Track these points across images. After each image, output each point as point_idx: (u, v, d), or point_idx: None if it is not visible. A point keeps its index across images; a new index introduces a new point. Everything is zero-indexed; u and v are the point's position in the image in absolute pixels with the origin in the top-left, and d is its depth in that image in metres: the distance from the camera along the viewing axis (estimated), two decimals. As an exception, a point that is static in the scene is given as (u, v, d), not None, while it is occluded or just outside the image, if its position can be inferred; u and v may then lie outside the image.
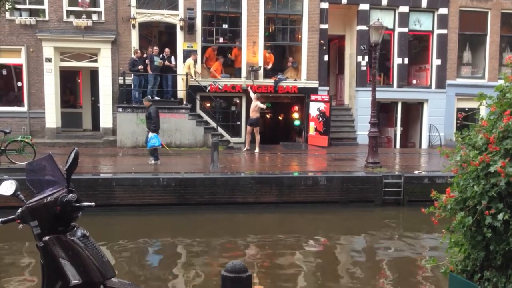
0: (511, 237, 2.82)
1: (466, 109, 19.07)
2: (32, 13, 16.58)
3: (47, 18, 16.44)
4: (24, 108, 16.67)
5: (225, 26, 17.81)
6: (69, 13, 16.63)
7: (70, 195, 2.74)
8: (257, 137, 15.70)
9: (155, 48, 16.70)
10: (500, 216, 2.80)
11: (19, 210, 2.80)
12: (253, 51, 17.54)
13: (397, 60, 18.44)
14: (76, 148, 2.88)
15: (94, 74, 17.52)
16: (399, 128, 18.83)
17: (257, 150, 15.58)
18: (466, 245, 3.25)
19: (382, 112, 18.48)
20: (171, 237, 9.66)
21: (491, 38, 18.83)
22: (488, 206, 2.89)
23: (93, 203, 3.03)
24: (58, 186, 2.84)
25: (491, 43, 18.85)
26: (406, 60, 18.49)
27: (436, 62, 18.62)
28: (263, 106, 15.76)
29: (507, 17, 18.93)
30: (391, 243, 9.58)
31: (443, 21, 18.43)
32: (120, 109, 15.95)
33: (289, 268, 8.28)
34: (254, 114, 15.60)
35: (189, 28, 16.96)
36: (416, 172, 12.42)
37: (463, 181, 3.12)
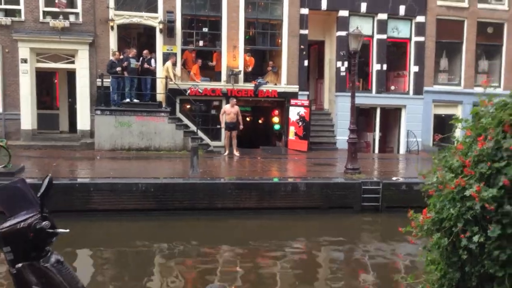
0: (486, 260, 2.88)
1: (443, 115, 19.49)
2: (8, 13, 16.25)
3: (23, 18, 16.14)
4: (-2, 110, 16.35)
5: (205, 29, 17.76)
6: (45, 13, 16.35)
7: (44, 222, 2.69)
8: (234, 141, 15.81)
9: (133, 50, 16.54)
10: (475, 239, 2.86)
11: None
12: (233, 55, 17.54)
13: (376, 66, 18.66)
14: (50, 174, 2.83)
15: (71, 75, 17.27)
16: (377, 133, 19.06)
17: (236, 153, 15.64)
18: (442, 264, 3.32)
19: (361, 117, 18.69)
20: (149, 243, 9.57)
21: (467, 46, 19.20)
22: (464, 229, 2.95)
23: (67, 230, 2.99)
24: (31, 210, 2.78)
25: (467, 51, 19.22)
26: (384, 67, 18.72)
27: (414, 68, 18.90)
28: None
29: (482, 26, 19.34)
30: (369, 249, 9.68)
31: (420, 29, 18.72)
32: (98, 112, 15.76)
33: (268, 275, 8.31)
34: (232, 118, 15.65)
35: (169, 31, 16.86)
36: (394, 178, 12.58)
37: (440, 202, 3.18)
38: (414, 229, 3.39)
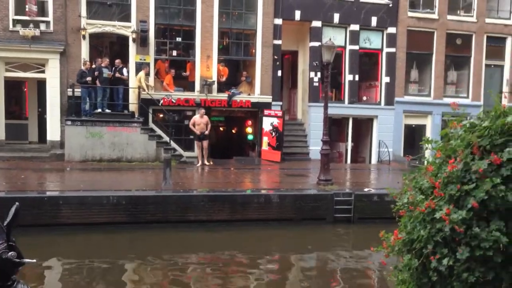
0: (455, 282, 2.90)
1: (413, 125, 19.83)
2: (-24, 21, 15.87)
3: (-9, 26, 15.79)
4: (-35, 120, 15.88)
5: (178, 39, 17.68)
6: (15, 22, 16.01)
7: (10, 253, 2.60)
8: (206, 151, 15.86)
9: (105, 60, 16.33)
10: (444, 262, 2.89)
11: None
12: (206, 65, 17.49)
13: (348, 77, 18.88)
14: (17, 203, 2.74)
15: (41, 85, 16.92)
16: (350, 144, 19.24)
17: (206, 162, 15.75)
18: (413, 284, 3.33)
19: (334, 127, 18.86)
20: (119, 257, 9.40)
21: (437, 57, 19.62)
22: (434, 251, 2.97)
23: (34, 260, 2.89)
24: None
25: (437, 62, 19.63)
26: (357, 77, 18.96)
27: (385, 79, 19.19)
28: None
29: (452, 37, 19.81)
30: (341, 261, 9.72)
31: (392, 40, 19.05)
32: (69, 122, 15.48)
33: (241, 287, 8.25)
34: (202, 129, 15.65)
35: (142, 41, 16.72)
36: (366, 189, 12.70)
37: (410, 223, 3.20)
38: (385, 250, 3.40)
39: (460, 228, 2.83)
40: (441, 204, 2.98)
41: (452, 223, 2.85)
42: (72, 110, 15.79)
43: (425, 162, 3.37)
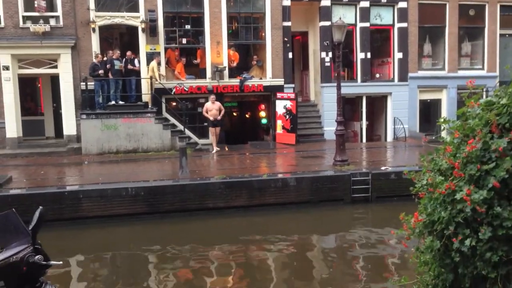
0: (478, 261, 2.88)
1: (428, 100, 19.60)
2: (-13, 20, 15.98)
3: (2, 24, 15.86)
4: (-18, 119, 16.09)
5: (187, 26, 17.60)
6: (25, 18, 16.07)
7: (37, 256, 2.65)
8: (217, 137, 16.07)
9: (116, 52, 16.37)
10: (467, 242, 2.86)
11: None
12: (217, 51, 17.42)
13: (360, 55, 18.65)
14: (41, 207, 2.78)
15: (54, 80, 17.05)
16: (364, 122, 19.10)
17: (216, 148, 15.96)
18: (435, 265, 3.32)
19: (348, 106, 18.72)
20: (142, 247, 9.53)
21: (450, 29, 19.26)
22: (455, 232, 2.95)
23: (61, 262, 2.95)
24: (23, 242, 2.73)
25: (450, 35, 19.28)
26: (369, 55, 18.73)
27: (398, 55, 18.93)
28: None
29: (464, 8, 19.40)
30: (362, 241, 9.73)
31: (403, 15, 18.73)
32: (84, 116, 15.61)
33: (263, 271, 8.34)
34: (215, 115, 15.70)
35: (151, 30, 16.68)
36: (383, 168, 12.64)
37: (430, 205, 3.17)
38: (406, 232, 3.38)
39: (482, 208, 2.80)
40: (461, 185, 2.94)
41: (473, 203, 2.82)
42: (86, 104, 15.91)
43: (443, 142, 3.32)
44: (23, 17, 16.06)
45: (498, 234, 2.77)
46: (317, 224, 10.91)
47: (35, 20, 16.12)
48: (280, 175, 12.19)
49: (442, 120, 3.37)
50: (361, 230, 10.48)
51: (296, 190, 11.65)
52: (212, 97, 16.05)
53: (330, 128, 16.48)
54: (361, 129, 19.16)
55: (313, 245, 9.94)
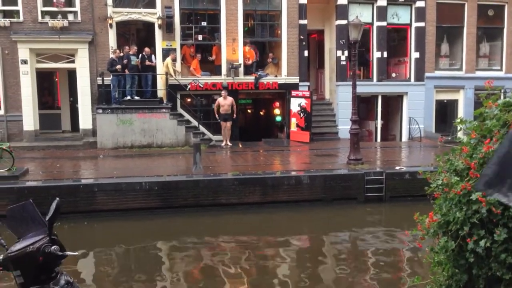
0: (493, 263, 2.87)
1: (445, 100, 19.42)
2: (6, 14, 16.17)
3: (21, 19, 16.07)
4: (0, 112, 16.32)
5: (204, 23, 17.64)
6: (44, 13, 16.27)
7: (53, 247, 2.69)
8: (228, 132, 16.22)
9: (133, 47, 16.49)
10: (482, 243, 2.86)
11: (1, 257, 2.75)
12: (232, 48, 17.45)
13: (376, 54, 18.54)
14: (58, 198, 2.82)
15: (71, 74, 17.22)
16: (379, 121, 18.99)
17: (229, 143, 16.22)
18: (449, 266, 3.31)
19: (363, 105, 18.62)
20: (155, 241, 9.62)
21: (468, 29, 19.04)
22: (470, 233, 2.94)
23: (76, 252, 2.99)
24: (40, 233, 2.78)
25: (468, 35, 19.07)
26: (385, 54, 18.60)
27: (415, 55, 18.77)
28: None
29: (483, 8, 19.17)
30: (374, 241, 9.70)
31: (420, 14, 18.57)
32: (100, 110, 15.76)
33: (276, 269, 8.35)
34: (226, 110, 15.94)
35: (168, 27, 16.77)
36: (397, 168, 12.56)
37: (446, 205, 3.17)
38: (420, 232, 3.38)
39: (497, 209, 2.79)
40: (477, 186, 2.93)
41: (489, 204, 2.82)
42: (103, 99, 16.06)
43: (460, 142, 3.31)
44: (42, 12, 16.24)
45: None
46: (330, 222, 10.89)
47: (53, 15, 16.31)
48: (293, 173, 12.20)
49: (458, 120, 3.35)
50: (374, 229, 10.45)
51: (309, 188, 11.65)
52: (224, 92, 16.17)
53: (344, 126, 16.42)
54: (376, 128, 19.05)
55: (325, 243, 9.93)
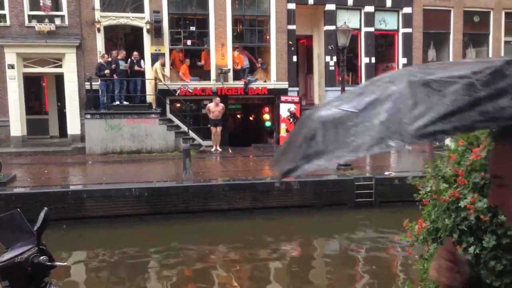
0: (482, 270, 2.90)
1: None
2: (-7, 19, 16.08)
3: (8, 23, 15.95)
4: (-13, 117, 16.17)
5: (192, 28, 17.66)
6: (31, 17, 16.17)
7: (42, 257, 2.67)
8: (218, 138, 16.32)
9: (121, 52, 16.43)
10: (471, 250, 2.88)
11: None
12: (221, 53, 17.47)
13: (364, 60, 18.69)
14: (46, 208, 2.80)
15: (59, 79, 17.11)
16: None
17: (218, 148, 16.28)
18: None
19: (351, 110, 18.70)
20: (144, 248, 9.56)
21: (454, 36, 19.28)
22: (459, 240, 2.97)
23: (65, 263, 2.98)
24: (28, 243, 2.76)
25: (455, 41, 19.30)
26: (373, 59, 18.75)
27: (402, 60, 18.95)
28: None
29: (469, 15, 19.43)
30: (365, 246, 9.74)
31: (407, 20, 18.76)
32: (88, 116, 15.66)
33: (266, 275, 8.35)
34: (217, 116, 16.02)
35: (156, 31, 16.75)
36: (386, 173, 12.64)
37: (434, 212, 3.20)
38: (410, 239, 3.40)
39: (486, 216, 2.82)
40: (465, 193, 2.97)
41: (477, 211, 2.85)
42: (91, 104, 15.97)
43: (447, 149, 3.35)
44: (29, 16, 16.16)
45: (502, 242, 2.79)
46: (321, 228, 10.91)
47: (40, 19, 16.23)
48: (283, 179, 12.18)
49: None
50: (365, 235, 10.49)
51: (299, 194, 11.66)
52: (217, 99, 16.16)
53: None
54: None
55: (315, 249, 9.95)
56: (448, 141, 3.57)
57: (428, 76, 1.01)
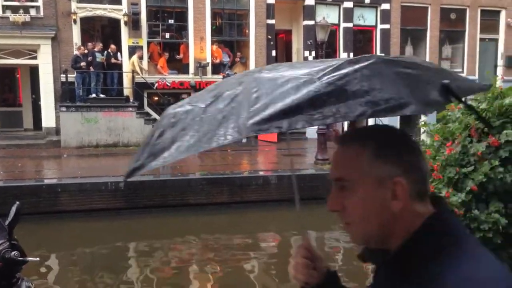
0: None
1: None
2: (-35, 8, 15.65)
3: (-19, 13, 15.58)
4: (-42, 109, 15.78)
5: (171, 21, 17.50)
6: (5, 8, 15.80)
7: (13, 252, 2.62)
8: None
9: (98, 44, 16.18)
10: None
11: None
12: (200, 46, 17.36)
13: (343, 55, 18.79)
14: (18, 202, 2.74)
15: (34, 71, 16.79)
16: (346, 122, 19.21)
17: None
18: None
19: (330, 105, 18.83)
20: (120, 242, 9.46)
21: (431, 32, 19.53)
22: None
23: (37, 258, 2.92)
24: None
25: (431, 38, 19.55)
26: (351, 55, 18.84)
27: (380, 56, 19.09)
28: None
29: (446, 12, 19.70)
30: (340, 241, 9.81)
31: (385, 16, 18.92)
32: (64, 108, 15.40)
33: (244, 268, 8.34)
34: None
35: (134, 24, 16.54)
36: (363, 167, 12.74)
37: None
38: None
39: (460, 210, 2.85)
40: (440, 187, 3.00)
41: (451, 206, 2.88)
42: (67, 96, 15.71)
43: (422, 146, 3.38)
44: (3, 6, 15.81)
45: (475, 236, 2.83)
46: (298, 222, 10.93)
47: (15, 9, 15.85)
48: (261, 173, 12.22)
49: (422, 123, 3.42)
50: (342, 230, 10.56)
51: (277, 188, 11.66)
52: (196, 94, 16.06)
53: (312, 127, 16.54)
54: (343, 128, 19.27)
55: (292, 244, 9.98)
56: (424, 136, 3.61)
57: (273, 73, 1.08)
